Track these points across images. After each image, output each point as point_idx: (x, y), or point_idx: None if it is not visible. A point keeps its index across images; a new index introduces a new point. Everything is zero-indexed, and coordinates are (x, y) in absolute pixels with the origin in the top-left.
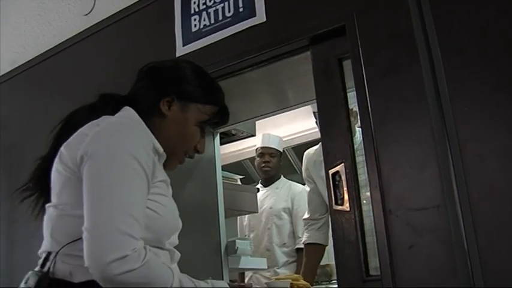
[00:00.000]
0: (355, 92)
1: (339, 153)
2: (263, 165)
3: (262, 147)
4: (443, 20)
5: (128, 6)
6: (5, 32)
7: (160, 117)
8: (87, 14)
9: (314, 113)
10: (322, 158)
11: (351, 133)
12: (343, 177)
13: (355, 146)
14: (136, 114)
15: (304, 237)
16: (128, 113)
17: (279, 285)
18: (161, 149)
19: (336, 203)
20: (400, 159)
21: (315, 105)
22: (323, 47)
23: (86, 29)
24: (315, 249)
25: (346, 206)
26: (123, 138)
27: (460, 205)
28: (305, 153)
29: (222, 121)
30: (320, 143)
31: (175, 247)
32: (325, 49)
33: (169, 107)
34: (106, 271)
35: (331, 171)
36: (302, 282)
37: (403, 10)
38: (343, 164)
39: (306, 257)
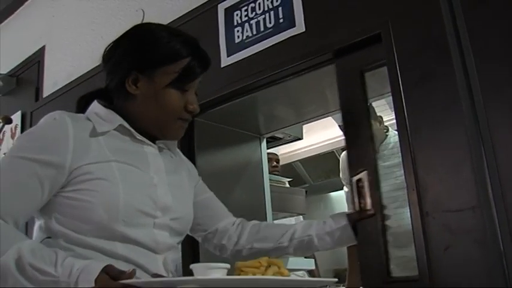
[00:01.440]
0: (390, 98)
1: (362, 161)
2: None
3: None
4: (476, 26)
5: (175, 20)
6: (62, 46)
7: (131, 99)
8: None
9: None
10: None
11: (373, 142)
12: (366, 184)
13: (385, 151)
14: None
15: None
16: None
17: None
18: (106, 128)
19: (360, 208)
20: (435, 163)
21: None
22: (356, 56)
23: None
24: (352, 250)
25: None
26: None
27: (495, 207)
28: (341, 155)
29: (200, 68)
30: None
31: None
32: (358, 58)
33: (136, 84)
34: None
35: (355, 178)
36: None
37: (436, 17)
38: (365, 171)
39: (349, 259)
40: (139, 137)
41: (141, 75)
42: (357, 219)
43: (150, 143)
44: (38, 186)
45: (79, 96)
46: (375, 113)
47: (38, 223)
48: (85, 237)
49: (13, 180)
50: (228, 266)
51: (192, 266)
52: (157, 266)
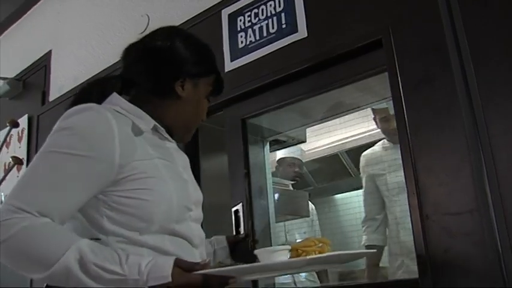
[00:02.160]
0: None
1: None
2: None
3: None
4: (475, 31)
5: (180, 25)
6: (68, 51)
7: (174, 99)
8: (142, 33)
9: (374, 117)
10: (374, 157)
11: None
12: (241, 214)
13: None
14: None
15: (362, 240)
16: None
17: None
18: (147, 126)
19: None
20: (435, 167)
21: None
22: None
23: None
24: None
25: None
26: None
27: (493, 210)
28: (362, 155)
29: (222, 86)
30: (376, 144)
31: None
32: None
33: (183, 87)
34: None
35: (233, 209)
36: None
37: (435, 23)
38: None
39: (367, 259)
40: (166, 134)
41: (189, 80)
42: (233, 242)
43: (172, 139)
44: (86, 184)
45: (88, 82)
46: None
47: (74, 222)
48: (138, 235)
49: (59, 177)
50: (288, 247)
51: (257, 252)
52: (196, 260)
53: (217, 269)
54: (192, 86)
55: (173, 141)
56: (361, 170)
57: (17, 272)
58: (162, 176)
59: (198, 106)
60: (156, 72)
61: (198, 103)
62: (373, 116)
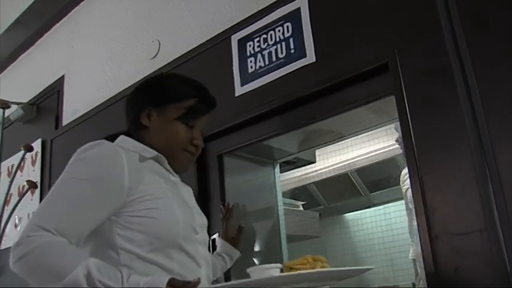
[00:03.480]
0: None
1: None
2: None
3: None
4: (479, 53)
5: (190, 51)
6: (81, 76)
7: (145, 129)
8: (153, 58)
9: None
10: (404, 178)
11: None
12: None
13: None
14: (122, 140)
15: (410, 253)
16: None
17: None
18: (151, 154)
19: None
20: (443, 187)
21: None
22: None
23: (152, 72)
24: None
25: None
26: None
27: (501, 229)
28: (401, 172)
29: (205, 108)
30: None
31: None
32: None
33: (149, 118)
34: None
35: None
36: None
37: (440, 46)
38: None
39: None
40: (167, 166)
41: (154, 109)
42: (234, 239)
43: (174, 172)
44: (99, 206)
45: (103, 137)
46: None
47: (90, 240)
48: (147, 252)
49: (75, 200)
50: (279, 265)
51: (249, 270)
52: (203, 281)
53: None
54: (158, 114)
55: (176, 175)
56: (401, 181)
57: (33, 284)
58: (169, 198)
59: (167, 129)
60: (127, 110)
61: (166, 126)
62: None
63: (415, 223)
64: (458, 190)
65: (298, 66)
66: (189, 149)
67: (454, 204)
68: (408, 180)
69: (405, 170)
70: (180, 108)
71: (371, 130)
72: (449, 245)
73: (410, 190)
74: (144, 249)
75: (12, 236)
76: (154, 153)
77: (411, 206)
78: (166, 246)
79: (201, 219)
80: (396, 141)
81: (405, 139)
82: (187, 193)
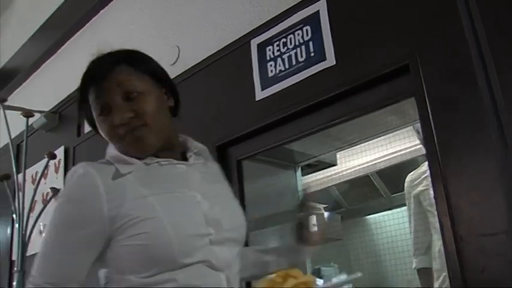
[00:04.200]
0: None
1: None
2: None
3: None
4: (501, 53)
5: (209, 56)
6: None
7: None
8: (173, 64)
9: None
10: (417, 176)
11: None
12: None
13: None
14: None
15: (414, 264)
16: None
17: None
18: (125, 170)
19: None
20: (467, 189)
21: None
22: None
23: (173, 78)
24: (424, 274)
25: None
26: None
27: None
28: (406, 178)
29: (91, 83)
30: (419, 166)
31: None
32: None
33: (94, 126)
34: None
35: None
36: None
37: (461, 46)
38: None
39: (421, 283)
40: (164, 161)
41: (87, 118)
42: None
43: (177, 161)
44: (84, 247)
45: None
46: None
47: (91, 278)
48: (145, 279)
49: (59, 249)
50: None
51: None
52: (221, 285)
53: None
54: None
55: (181, 162)
56: (405, 190)
57: None
58: (156, 215)
59: (102, 132)
60: None
61: (101, 129)
62: (417, 135)
63: (436, 225)
64: (482, 191)
65: (318, 70)
66: (119, 133)
67: (479, 206)
68: (419, 184)
69: (414, 175)
70: (92, 106)
71: (391, 132)
72: (475, 246)
73: (424, 195)
74: (142, 276)
75: (37, 242)
76: (134, 166)
77: (431, 209)
78: (166, 269)
79: (219, 213)
80: (418, 138)
81: (427, 141)
82: (203, 180)
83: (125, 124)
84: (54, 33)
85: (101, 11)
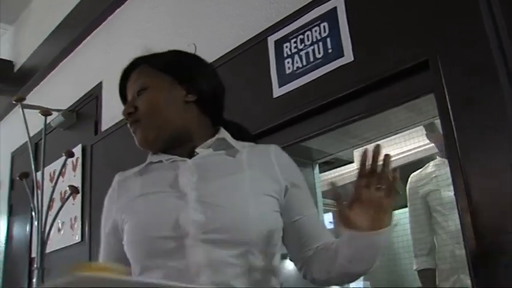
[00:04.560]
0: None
1: None
2: None
3: None
4: None
5: (226, 53)
6: (118, 81)
7: None
8: None
9: (427, 133)
10: (424, 176)
11: None
12: None
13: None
14: None
15: (415, 265)
16: None
17: None
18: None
19: None
20: (487, 185)
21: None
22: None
23: None
24: (426, 275)
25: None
26: None
27: None
28: (410, 176)
29: (121, 82)
30: (424, 166)
31: None
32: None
33: None
34: None
35: None
36: None
37: (482, 42)
38: None
39: (423, 284)
40: (156, 161)
41: None
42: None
43: (180, 158)
44: (108, 243)
45: None
46: None
47: None
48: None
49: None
50: None
51: None
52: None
53: None
54: None
55: (185, 159)
56: (409, 192)
57: None
58: (131, 218)
59: None
60: None
61: None
62: (425, 132)
63: (444, 224)
64: (503, 188)
65: (336, 66)
66: (128, 122)
67: (500, 202)
68: (426, 184)
69: (420, 175)
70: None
71: (408, 129)
72: (496, 244)
73: (433, 195)
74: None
75: (55, 240)
76: (138, 167)
77: (440, 208)
78: (139, 270)
79: (206, 214)
80: (427, 135)
81: (447, 138)
82: (205, 175)
83: (130, 117)
84: (71, 32)
85: (117, 10)
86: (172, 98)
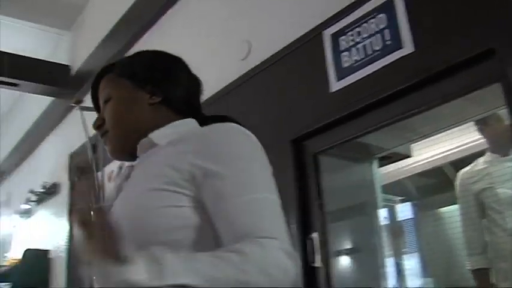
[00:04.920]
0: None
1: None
2: None
3: None
4: None
5: (282, 49)
6: None
7: None
8: (243, 59)
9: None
10: (477, 173)
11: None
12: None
13: None
14: None
15: (469, 264)
16: None
17: None
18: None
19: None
20: None
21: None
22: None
23: (243, 74)
24: (481, 274)
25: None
26: None
27: None
28: (458, 174)
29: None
30: (475, 162)
31: None
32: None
33: None
34: None
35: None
36: None
37: None
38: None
39: (478, 284)
40: (127, 163)
41: None
42: None
43: (130, 163)
44: None
45: None
46: None
47: None
48: None
49: None
50: None
51: None
52: None
53: None
54: None
55: (131, 163)
56: (460, 189)
57: None
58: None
59: None
60: None
61: None
62: (477, 127)
63: (501, 222)
64: None
65: (395, 58)
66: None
67: None
68: (479, 181)
69: (470, 171)
70: None
71: (467, 122)
72: None
73: (489, 192)
74: None
75: None
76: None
77: (497, 206)
78: None
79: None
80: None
81: None
82: (132, 175)
83: (97, 131)
84: (126, 34)
85: (169, 11)
86: (135, 104)
